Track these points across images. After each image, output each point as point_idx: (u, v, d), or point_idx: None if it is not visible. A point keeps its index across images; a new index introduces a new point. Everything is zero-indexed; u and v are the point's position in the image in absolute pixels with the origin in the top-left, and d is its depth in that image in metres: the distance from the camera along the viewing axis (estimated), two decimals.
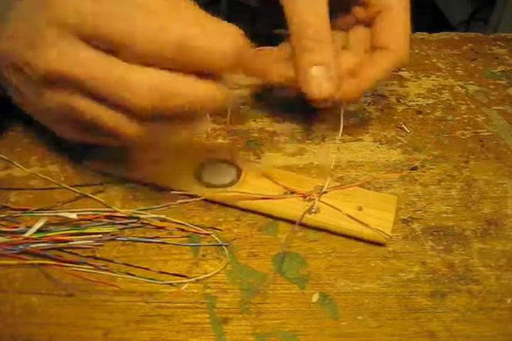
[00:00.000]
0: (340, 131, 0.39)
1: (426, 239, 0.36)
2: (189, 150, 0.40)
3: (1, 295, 0.31)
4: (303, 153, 0.42)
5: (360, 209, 0.36)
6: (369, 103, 0.46)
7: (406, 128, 0.44)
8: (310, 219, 0.35)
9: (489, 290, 0.33)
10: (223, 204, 0.37)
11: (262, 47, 0.41)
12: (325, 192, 0.37)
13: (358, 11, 0.41)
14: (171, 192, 0.36)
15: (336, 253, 0.35)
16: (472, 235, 0.36)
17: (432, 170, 0.41)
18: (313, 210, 0.35)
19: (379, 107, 0.47)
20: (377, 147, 0.42)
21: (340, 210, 0.35)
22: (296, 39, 0.36)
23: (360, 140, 0.43)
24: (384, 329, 0.31)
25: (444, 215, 0.37)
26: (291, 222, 0.35)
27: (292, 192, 0.37)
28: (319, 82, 0.36)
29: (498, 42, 0.57)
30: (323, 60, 0.36)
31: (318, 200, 0.36)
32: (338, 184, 0.38)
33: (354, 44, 0.41)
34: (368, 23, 0.40)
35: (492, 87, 0.50)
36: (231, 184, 0.37)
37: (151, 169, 0.38)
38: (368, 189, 0.38)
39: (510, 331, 0.31)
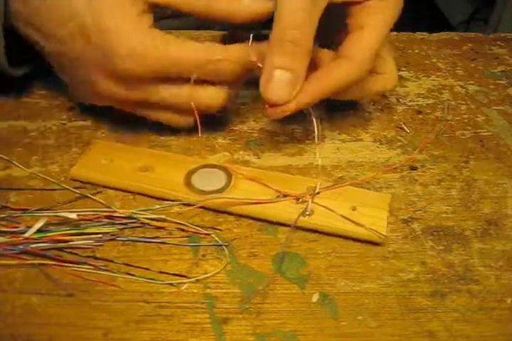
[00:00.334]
0: (316, 136, 0.37)
1: (426, 239, 0.36)
2: (178, 159, 0.39)
3: (1, 295, 0.31)
4: (303, 153, 0.42)
5: (353, 208, 0.36)
6: (369, 103, 0.46)
7: (406, 128, 0.44)
8: (304, 221, 0.35)
9: (489, 290, 0.33)
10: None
11: None
12: (317, 193, 0.36)
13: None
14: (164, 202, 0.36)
15: (336, 253, 0.35)
16: (472, 235, 0.36)
17: (431, 170, 0.41)
18: (307, 213, 0.35)
19: (379, 107, 0.47)
20: (377, 147, 0.42)
21: (334, 211, 0.35)
22: (276, 38, 0.35)
23: (360, 140, 0.43)
24: (384, 329, 0.31)
25: (444, 215, 0.37)
26: (286, 225, 0.35)
27: (285, 195, 0.36)
28: (280, 85, 0.35)
29: (498, 42, 0.57)
30: (293, 66, 0.35)
31: (312, 202, 0.36)
32: (330, 184, 0.38)
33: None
34: None
35: (492, 87, 0.50)
36: (222, 189, 0.37)
37: (141, 178, 0.37)
38: (368, 189, 0.38)
39: (510, 331, 0.31)
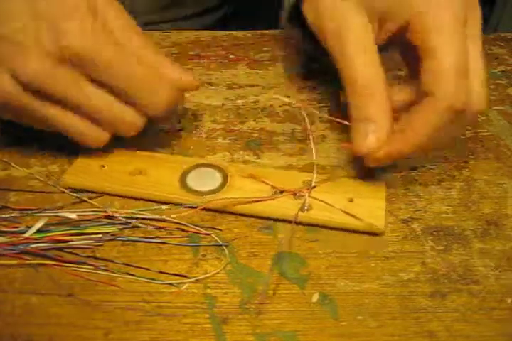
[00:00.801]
0: (308, 124, 0.38)
1: (426, 239, 0.36)
2: (171, 160, 0.39)
3: (1, 295, 0.31)
4: (303, 153, 0.42)
5: (350, 200, 0.36)
6: None
7: None
8: (304, 216, 0.35)
9: (489, 290, 0.33)
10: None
11: None
12: (314, 187, 0.36)
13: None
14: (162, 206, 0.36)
15: (336, 253, 0.35)
16: (472, 235, 0.36)
17: (432, 170, 0.41)
18: (306, 207, 0.35)
19: None
20: None
21: (332, 205, 0.35)
22: (350, 93, 0.35)
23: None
24: (384, 329, 0.31)
25: (444, 215, 0.37)
26: (287, 221, 0.35)
27: (281, 191, 0.36)
28: (363, 135, 0.34)
29: (498, 42, 0.56)
30: (369, 116, 0.34)
31: (309, 196, 0.36)
32: (326, 176, 0.38)
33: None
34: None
35: (492, 87, 0.50)
36: (218, 189, 0.37)
37: (134, 183, 0.37)
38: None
39: (510, 331, 0.31)
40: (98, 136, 0.36)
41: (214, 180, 0.37)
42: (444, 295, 0.33)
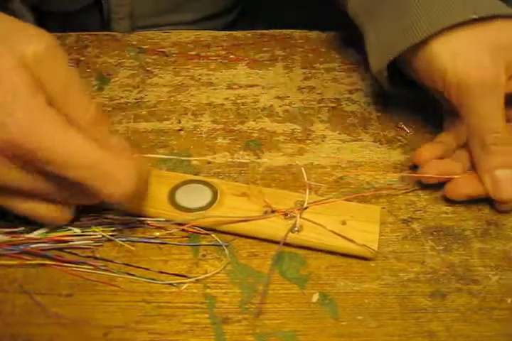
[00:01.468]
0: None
1: (426, 239, 0.36)
2: (160, 175, 0.37)
3: (1, 294, 0.31)
4: (303, 153, 0.42)
5: (343, 223, 0.35)
6: (369, 103, 0.46)
7: (406, 128, 0.44)
8: (294, 238, 0.34)
9: (489, 290, 0.33)
10: None
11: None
12: (306, 208, 0.35)
13: None
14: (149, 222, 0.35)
15: (336, 253, 0.35)
16: (472, 235, 0.36)
17: None
18: (296, 228, 0.34)
19: (379, 107, 0.47)
20: (377, 147, 0.42)
21: (323, 227, 0.34)
22: (478, 143, 0.36)
23: (360, 140, 0.43)
24: (384, 329, 0.31)
25: (444, 215, 0.37)
26: (276, 242, 0.34)
27: (272, 211, 0.35)
28: (506, 185, 0.36)
29: None
30: (508, 163, 0.36)
31: (300, 217, 0.34)
32: (320, 198, 0.36)
33: None
34: None
35: None
36: (208, 206, 0.35)
37: None
38: (368, 189, 0.38)
39: (510, 331, 0.31)
40: (57, 215, 0.32)
41: (204, 196, 0.36)
42: (444, 295, 0.33)
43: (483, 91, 0.35)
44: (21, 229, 0.33)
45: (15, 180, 0.28)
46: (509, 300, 0.33)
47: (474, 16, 0.34)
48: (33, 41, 0.28)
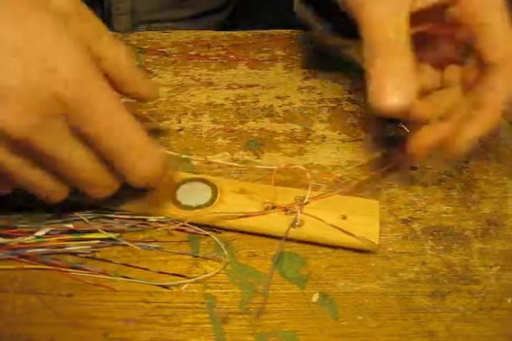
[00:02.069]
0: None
1: (426, 239, 0.36)
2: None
3: (2, 295, 0.31)
4: (303, 153, 0.42)
5: (344, 217, 0.35)
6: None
7: (406, 128, 0.44)
8: (295, 232, 0.34)
9: (489, 290, 0.33)
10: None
11: None
12: (306, 203, 0.35)
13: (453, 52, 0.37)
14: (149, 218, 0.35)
15: (336, 253, 0.35)
16: (472, 235, 0.36)
17: (432, 170, 0.41)
18: (297, 223, 0.34)
19: None
20: (377, 147, 0.42)
21: (324, 221, 0.34)
22: (370, 44, 0.32)
23: (360, 140, 0.43)
24: (384, 329, 0.31)
25: (444, 215, 0.37)
26: (277, 237, 0.34)
27: (273, 207, 0.35)
28: (390, 90, 0.31)
29: None
30: (398, 65, 0.31)
31: (301, 212, 0.35)
32: (319, 193, 0.37)
33: (449, 84, 0.37)
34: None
35: None
36: (208, 204, 0.35)
37: (123, 196, 0.35)
38: (368, 189, 0.38)
39: (510, 331, 0.31)
40: (58, 192, 0.32)
41: (204, 194, 0.36)
42: (444, 295, 0.33)
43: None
44: (19, 233, 0.33)
45: (53, 148, 0.28)
46: (509, 300, 0.33)
47: None
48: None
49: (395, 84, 0.31)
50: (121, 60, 0.33)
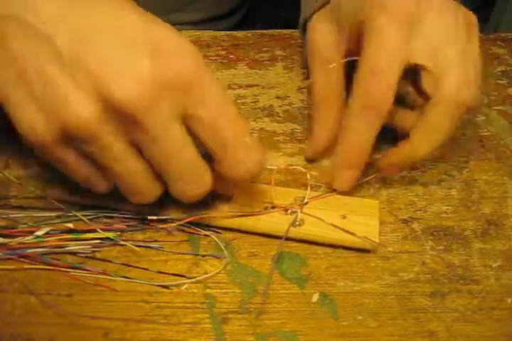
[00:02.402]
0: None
1: (426, 239, 0.36)
2: None
3: (1, 295, 0.31)
4: (303, 153, 0.41)
5: (344, 217, 0.35)
6: None
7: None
8: (296, 232, 0.34)
9: (489, 290, 0.33)
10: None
11: None
12: (306, 203, 0.36)
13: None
14: (148, 217, 0.34)
15: (336, 253, 0.35)
16: (472, 235, 0.36)
17: (432, 170, 0.41)
18: (297, 223, 0.35)
19: None
20: (377, 147, 0.42)
21: (324, 220, 0.34)
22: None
23: None
24: (384, 329, 0.31)
25: (444, 215, 0.37)
26: (278, 237, 0.34)
27: (273, 207, 0.35)
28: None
29: (498, 42, 0.56)
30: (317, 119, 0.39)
31: (301, 212, 0.35)
32: (318, 193, 0.37)
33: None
34: None
35: (492, 87, 0.50)
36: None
37: (120, 195, 0.34)
38: (368, 189, 0.38)
39: (510, 331, 0.31)
40: (105, 186, 0.32)
41: None
42: (444, 295, 0.33)
43: (311, 53, 0.40)
44: (19, 232, 0.33)
45: (106, 150, 0.28)
46: (509, 300, 0.33)
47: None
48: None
49: None
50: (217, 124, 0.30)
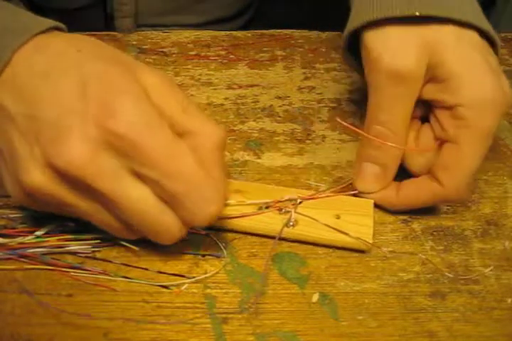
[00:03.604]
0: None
1: (426, 239, 0.36)
2: None
3: (1, 295, 0.31)
4: (303, 153, 0.42)
5: (338, 217, 0.35)
6: None
7: None
8: (289, 232, 0.34)
9: (489, 290, 0.33)
10: None
11: None
12: (300, 203, 0.35)
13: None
14: None
15: (336, 253, 0.35)
16: (472, 235, 0.36)
17: None
18: (291, 223, 0.34)
19: None
20: None
21: (318, 221, 0.34)
22: (365, 131, 0.36)
23: (360, 140, 0.43)
24: (384, 329, 0.31)
25: (444, 215, 0.37)
26: (272, 237, 0.34)
27: (267, 207, 0.35)
28: (367, 178, 0.36)
29: None
30: (376, 159, 0.36)
31: (295, 212, 0.35)
32: (312, 192, 0.37)
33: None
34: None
35: None
36: None
37: None
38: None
39: (510, 331, 0.31)
40: (129, 235, 0.32)
41: None
42: (444, 295, 0.33)
43: (390, 78, 0.33)
44: (19, 232, 0.33)
45: (109, 184, 0.28)
46: (509, 300, 0.33)
47: (417, 13, 0.33)
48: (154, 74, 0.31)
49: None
50: (207, 138, 0.31)
